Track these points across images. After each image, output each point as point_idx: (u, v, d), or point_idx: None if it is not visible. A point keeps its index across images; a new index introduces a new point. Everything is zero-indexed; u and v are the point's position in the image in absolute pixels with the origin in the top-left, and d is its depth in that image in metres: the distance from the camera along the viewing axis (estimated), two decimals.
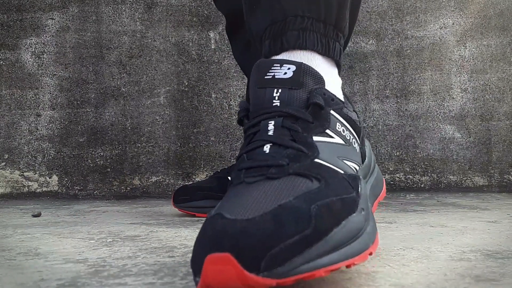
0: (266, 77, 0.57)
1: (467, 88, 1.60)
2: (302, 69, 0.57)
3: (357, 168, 0.59)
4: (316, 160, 0.53)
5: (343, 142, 0.57)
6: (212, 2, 1.56)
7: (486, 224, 0.93)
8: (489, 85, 1.60)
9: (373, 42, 1.60)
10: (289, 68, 0.57)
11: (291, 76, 0.57)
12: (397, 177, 1.58)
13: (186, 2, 1.56)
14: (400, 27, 1.61)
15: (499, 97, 1.59)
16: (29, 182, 1.50)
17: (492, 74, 1.60)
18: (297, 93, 0.56)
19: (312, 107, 0.56)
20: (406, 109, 1.59)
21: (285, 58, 0.63)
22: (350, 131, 0.59)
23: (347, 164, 0.56)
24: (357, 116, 0.64)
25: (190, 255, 0.65)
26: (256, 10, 0.70)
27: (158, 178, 1.53)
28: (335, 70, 0.66)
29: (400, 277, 0.52)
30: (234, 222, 0.43)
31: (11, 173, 1.50)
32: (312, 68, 0.58)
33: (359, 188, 0.53)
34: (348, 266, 0.46)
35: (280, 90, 0.56)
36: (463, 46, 1.60)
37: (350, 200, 0.50)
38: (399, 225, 0.93)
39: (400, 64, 1.60)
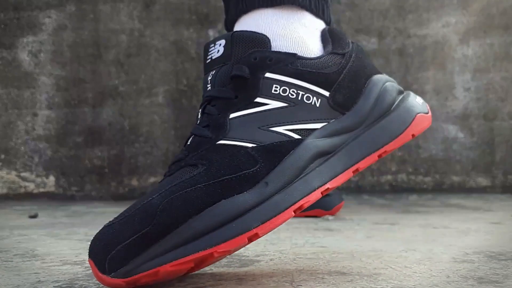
0: (207, 61, 0.55)
1: (470, 88, 1.59)
2: (232, 40, 0.53)
3: (314, 126, 0.53)
4: (220, 141, 0.50)
5: (283, 104, 0.52)
6: (211, 0, 1.56)
7: (489, 225, 0.93)
8: (493, 85, 1.59)
9: (375, 40, 1.60)
10: (220, 44, 0.54)
11: (223, 52, 0.54)
12: (400, 178, 1.57)
13: (185, 0, 1.56)
14: (403, 26, 1.60)
15: (502, 96, 1.59)
16: (25, 182, 1.49)
17: (496, 73, 1.59)
18: (224, 69, 0.53)
19: (234, 80, 0.53)
20: None
21: (242, 22, 0.59)
22: (299, 86, 0.53)
23: (275, 131, 0.51)
24: (341, 57, 0.57)
25: None
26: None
27: (156, 179, 1.53)
28: (300, 15, 0.59)
29: (403, 279, 0.52)
30: (103, 228, 0.47)
31: (7, 174, 1.49)
32: (245, 32, 0.54)
33: (285, 157, 0.50)
34: (210, 255, 0.45)
35: (213, 72, 0.54)
36: (466, 45, 1.60)
37: (235, 179, 0.48)
38: (401, 227, 0.93)
39: (402, 63, 1.60)
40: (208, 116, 0.52)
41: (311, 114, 0.53)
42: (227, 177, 0.47)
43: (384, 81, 0.60)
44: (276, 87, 0.52)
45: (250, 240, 0.47)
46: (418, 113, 0.59)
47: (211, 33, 1.56)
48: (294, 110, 0.52)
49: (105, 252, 0.44)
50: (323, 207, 1.09)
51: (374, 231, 0.88)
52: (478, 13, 1.60)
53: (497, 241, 0.76)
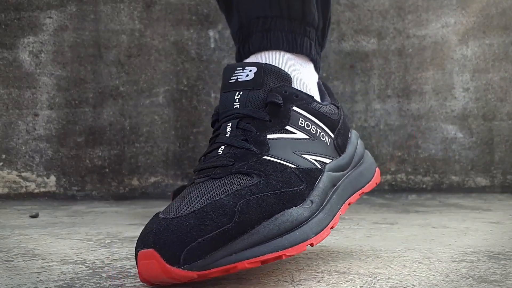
0: (230, 81, 0.62)
1: (469, 88, 1.59)
2: (264, 70, 0.61)
3: (326, 161, 0.63)
4: (265, 157, 0.57)
5: (306, 137, 0.61)
6: (211, 1, 1.56)
7: (488, 225, 0.94)
8: (492, 85, 1.59)
9: (374, 41, 1.60)
10: (250, 70, 0.61)
11: (253, 78, 0.61)
12: (399, 178, 1.58)
13: (186, 1, 1.56)
14: (402, 26, 1.60)
15: (501, 96, 1.59)
16: (26, 182, 1.50)
17: (495, 74, 1.59)
18: (256, 93, 0.60)
19: (269, 105, 0.59)
20: (407, 109, 1.59)
21: (252, 60, 0.69)
22: (317, 125, 0.63)
23: (306, 158, 0.60)
24: (337, 109, 0.68)
25: None
26: (230, 17, 0.76)
27: (157, 179, 1.53)
28: (309, 65, 0.71)
29: (402, 279, 0.52)
30: (161, 220, 0.48)
31: (8, 174, 1.49)
32: (275, 67, 0.62)
33: (317, 181, 0.59)
34: (279, 257, 0.50)
35: (241, 92, 0.61)
36: (465, 45, 1.60)
37: (291, 193, 0.54)
38: (400, 226, 0.94)
39: (401, 63, 1.60)
40: (245, 132, 0.58)
41: (325, 149, 0.63)
42: (285, 190, 0.54)
43: (357, 136, 0.74)
44: (301, 120, 0.61)
45: (307, 247, 0.53)
46: (376, 167, 0.75)
47: (211, 33, 1.56)
48: (315, 143, 0.62)
49: (181, 243, 0.45)
50: None
51: (374, 230, 0.88)
52: (477, 14, 1.60)
53: (496, 241, 0.76)
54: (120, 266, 0.61)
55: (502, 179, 1.57)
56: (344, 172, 0.66)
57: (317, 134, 0.63)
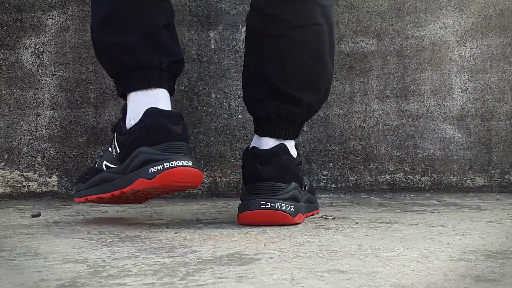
0: None
1: (468, 88, 1.60)
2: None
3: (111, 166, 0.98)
4: None
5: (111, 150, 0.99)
6: (212, 2, 1.56)
7: (486, 224, 0.94)
8: (490, 85, 1.60)
9: (373, 42, 1.60)
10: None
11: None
12: (397, 177, 1.58)
13: (186, 2, 1.56)
14: (400, 27, 1.61)
15: (499, 97, 1.60)
16: (28, 182, 1.50)
17: (493, 74, 1.60)
18: None
19: None
20: (406, 109, 1.59)
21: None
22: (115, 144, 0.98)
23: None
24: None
25: (190, 255, 0.66)
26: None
27: None
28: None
29: (400, 277, 0.52)
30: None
31: (10, 173, 1.50)
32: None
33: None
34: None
35: None
36: (464, 46, 1.61)
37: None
38: (399, 225, 0.93)
39: (400, 64, 1.60)
40: None
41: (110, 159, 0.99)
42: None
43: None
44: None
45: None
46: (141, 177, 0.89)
47: (212, 34, 1.57)
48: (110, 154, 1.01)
49: None
50: None
51: (372, 229, 0.88)
52: (475, 15, 1.61)
53: (494, 240, 0.76)
54: (121, 265, 0.61)
55: (500, 179, 1.58)
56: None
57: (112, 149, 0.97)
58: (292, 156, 0.97)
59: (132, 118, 0.91)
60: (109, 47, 0.95)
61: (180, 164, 0.85)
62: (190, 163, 0.86)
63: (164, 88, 0.93)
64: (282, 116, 0.95)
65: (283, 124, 0.95)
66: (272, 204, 0.90)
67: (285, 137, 0.96)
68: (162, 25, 0.94)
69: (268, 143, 0.95)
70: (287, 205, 0.91)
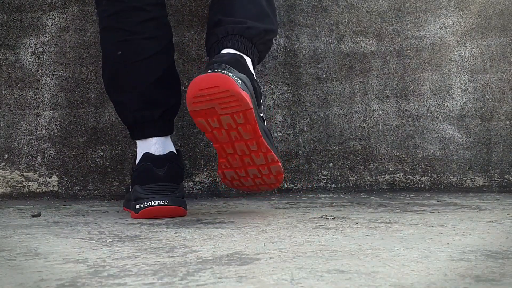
0: None
1: (467, 88, 1.60)
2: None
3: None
4: None
5: None
6: None
7: (486, 224, 0.94)
8: (489, 85, 1.60)
9: (373, 42, 1.60)
10: None
11: None
12: (397, 177, 1.58)
13: (186, 2, 1.57)
14: (400, 27, 1.61)
15: (499, 97, 1.60)
16: (29, 182, 1.50)
17: (492, 74, 1.60)
18: None
19: None
20: (406, 109, 1.60)
21: None
22: None
23: None
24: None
25: (190, 255, 0.66)
26: None
27: None
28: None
29: (400, 277, 0.52)
30: None
31: (11, 173, 1.50)
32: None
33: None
34: None
35: None
36: (463, 46, 1.61)
37: None
38: (399, 225, 0.94)
39: (400, 64, 1.60)
40: None
41: None
42: None
43: None
44: None
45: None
46: None
47: None
48: None
49: None
50: None
51: (372, 229, 0.89)
52: (475, 15, 1.61)
53: (494, 240, 0.76)
54: (121, 265, 0.61)
55: (499, 179, 1.58)
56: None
57: None
58: (251, 71, 1.07)
59: (137, 158, 1.15)
60: (114, 105, 1.21)
61: (156, 204, 1.06)
62: (166, 201, 1.07)
63: (158, 135, 1.15)
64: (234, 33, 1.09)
65: (237, 39, 1.08)
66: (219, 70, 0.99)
67: (243, 51, 1.08)
68: (152, 81, 1.14)
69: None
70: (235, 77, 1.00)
